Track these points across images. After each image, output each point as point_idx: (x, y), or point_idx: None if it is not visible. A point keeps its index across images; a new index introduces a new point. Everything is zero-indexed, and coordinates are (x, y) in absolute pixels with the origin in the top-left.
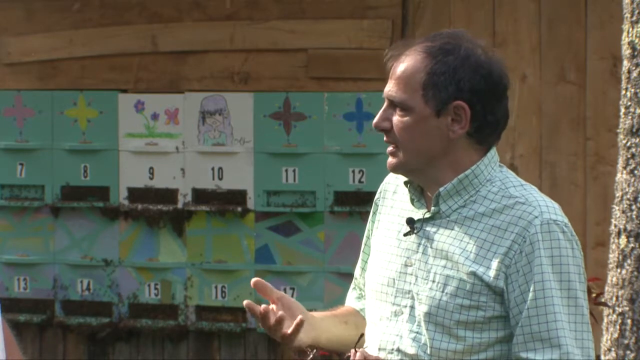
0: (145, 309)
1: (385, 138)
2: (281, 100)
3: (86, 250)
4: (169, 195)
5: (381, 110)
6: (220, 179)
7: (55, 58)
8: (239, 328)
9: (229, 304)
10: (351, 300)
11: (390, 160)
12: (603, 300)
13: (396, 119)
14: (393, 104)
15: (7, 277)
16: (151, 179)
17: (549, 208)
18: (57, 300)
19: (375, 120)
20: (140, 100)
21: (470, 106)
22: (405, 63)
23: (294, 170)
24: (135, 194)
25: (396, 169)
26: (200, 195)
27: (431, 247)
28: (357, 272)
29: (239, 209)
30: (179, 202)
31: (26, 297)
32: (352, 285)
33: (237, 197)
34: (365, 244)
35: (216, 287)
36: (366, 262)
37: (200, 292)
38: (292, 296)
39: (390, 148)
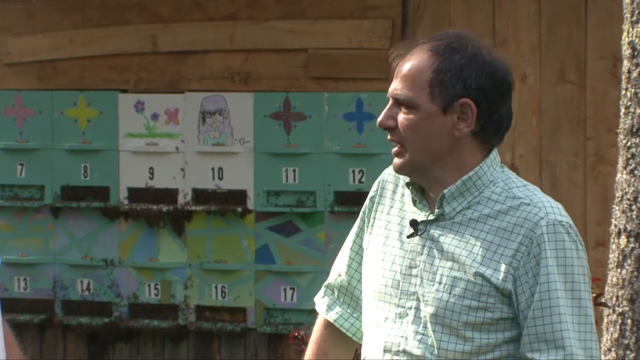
0: (145, 309)
1: (389, 137)
2: (281, 100)
3: (86, 250)
4: (169, 195)
5: (385, 109)
6: (220, 179)
7: (55, 58)
8: (239, 328)
9: (229, 304)
10: (322, 310)
11: (396, 160)
12: (603, 300)
13: (402, 117)
14: (398, 103)
15: (7, 277)
16: (151, 178)
17: (553, 209)
18: (57, 300)
19: (380, 118)
20: (140, 100)
21: (477, 104)
22: (411, 62)
23: (294, 170)
24: (135, 194)
25: (402, 169)
26: (200, 195)
27: (436, 249)
28: (337, 270)
29: (239, 209)
30: (179, 202)
31: (26, 297)
32: (321, 293)
33: (237, 197)
34: (354, 241)
35: (216, 287)
36: (354, 259)
37: (200, 292)
38: (292, 296)
39: (395, 148)
